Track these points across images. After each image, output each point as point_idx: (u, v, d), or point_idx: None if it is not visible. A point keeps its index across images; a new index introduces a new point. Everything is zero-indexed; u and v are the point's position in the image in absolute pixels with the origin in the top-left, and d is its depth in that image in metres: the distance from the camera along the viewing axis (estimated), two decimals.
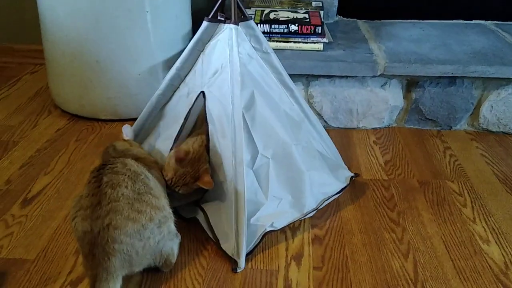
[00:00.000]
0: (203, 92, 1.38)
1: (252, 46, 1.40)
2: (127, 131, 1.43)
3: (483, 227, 1.40)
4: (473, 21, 2.24)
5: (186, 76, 1.46)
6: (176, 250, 1.20)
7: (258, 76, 1.39)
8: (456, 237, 1.36)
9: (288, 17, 1.91)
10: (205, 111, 1.36)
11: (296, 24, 1.85)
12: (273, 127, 1.38)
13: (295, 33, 1.86)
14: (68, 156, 1.68)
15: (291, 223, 1.36)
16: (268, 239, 1.33)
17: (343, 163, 1.60)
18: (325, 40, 1.87)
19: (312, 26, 1.85)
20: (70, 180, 1.55)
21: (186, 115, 1.41)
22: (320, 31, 1.86)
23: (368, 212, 1.45)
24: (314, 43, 1.86)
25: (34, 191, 1.50)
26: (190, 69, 1.45)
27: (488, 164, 1.70)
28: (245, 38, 1.38)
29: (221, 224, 1.31)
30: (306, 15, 1.94)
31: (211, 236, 1.30)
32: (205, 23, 1.39)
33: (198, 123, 1.52)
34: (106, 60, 1.77)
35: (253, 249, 1.28)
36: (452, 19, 2.25)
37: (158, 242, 1.10)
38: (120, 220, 1.03)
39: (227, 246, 1.26)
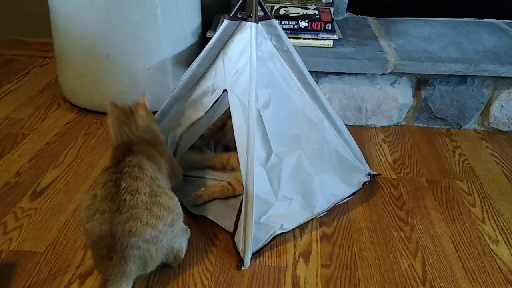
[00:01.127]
0: (226, 90, 1.37)
1: (274, 45, 1.38)
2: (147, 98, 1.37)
3: (492, 227, 1.39)
4: (485, 20, 2.22)
5: (205, 73, 1.45)
6: (185, 246, 1.20)
7: (279, 75, 1.39)
8: (465, 237, 1.35)
9: (298, 13, 1.90)
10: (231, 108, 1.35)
11: (306, 21, 1.84)
12: (286, 128, 1.38)
13: (305, 30, 1.86)
14: (77, 149, 1.69)
15: (301, 224, 1.36)
16: (276, 236, 1.33)
17: (363, 164, 1.57)
18: (335, 37, 1.86)
19: (322, 23, 1.85)
20: (79, 174, 1.56)
21: (208, 111, 1.42)
22: (330, 28, 1.85)
23: (377, 211, 1.44)
24: (324, 39, 1.85)
25: (43, 184, 1.51)
26: (210, 67, 1.44)
27: (498, 164, 1.69)
28: (266, 36, 1.36)
29: (229, 220, 1.32)
30: (316, 12, 1.93)
31: (224, 227, 1.32)
32: (225, 22, 1.37)
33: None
34: (116, 54, 1.77)
35: (261, 248, 1.28)
36: (463, 17, 2.23)
37: (170, 241, 1.12)
38: (140, 227, 1.04)
39: (237, 243, 1.27)
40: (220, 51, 1.42)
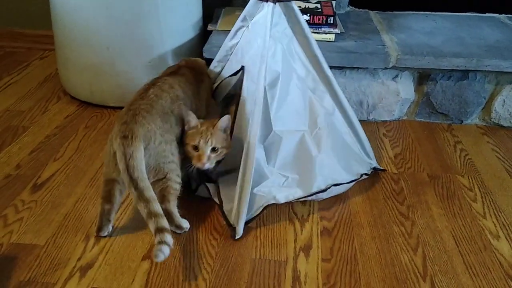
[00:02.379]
0: (243, 67, 1.44)
1: (291, 27, 1.43)
2: None
3: (493, 222, 1.39)
4: (487, 14, 2.21)
5: (234, 49, 1.54)
6: (174, 180, 1.25)
7: (292, 57, 1.45)
8: (465, 232, 1.35)
9: (300, 6, 1.89)
10: (242, 85, 1.42)
11: (308, 14, 1.83)
12: (291, 108, 1.44)
13: (307, 23, 1.84)
14: (77, 142, 1.68)
15: (294, 200, 1.39)
16: (277, 230, 1.33)
17: (370, 159, 1.58)
18: (337, 30, 1.85)
19: (324, 16, 1.84)
20: (80, 167, 1.56)
21: (221, 81, 1.54)
22: (332, 22, 1.84)
23: (377, 205, 1.44)
24: (326, 33, 1.85)
25: (44, 177, 1.50)
26: (237, 43, 1.53)
27: (499, 159, 1.68)
28: (284, 18, 1.42)
29: (230, 193, 1.36)
30: (318, 5, 1.92)
31: (216, 201, 1.37)
32: (252, 1, 1.45)
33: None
34: (116, 47, 1.76)
35: (253, 218, 1.32)
36: (466, 12, 2.22)
37: (164, 153, 1.22)
38: (149, 116, 1.22)
39: (228, 213, 1.32)
40: (245, 28, 1.50)
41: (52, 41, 1.94)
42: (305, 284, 1.17)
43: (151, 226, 1.12)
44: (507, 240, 1.33)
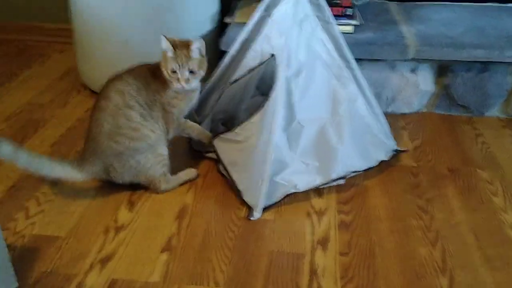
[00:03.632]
0: (273, 55, 1.45)
1: (316, 15, 1.46)
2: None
3: None
4: (508, 4, 2.16)
5: (256, 38, 1.52)
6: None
7: (317, 45, 1.48)
8: (485, 226, 1.34)
9: None
10: (275, 72, 1.43)
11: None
12: (315, 97, 1.47)
13: None
14: None
15: (314, 188, 1.42)
16: (294, 223, 1.33)
17: (390, 140, 1.60)
18: (355, 22, 1.84)
19: (342, 8, 1.82)
20: None
21: (251, 70, 1.50)
22: (350, 13, 1.82)
23: (396, 199, 1.43)
24: (345, 25, 1.83)
25: None
26: (260, 32, 1.51)
27: None
28: (309, 6, 1.45)
29: (245, 178, 1.40)
30: None
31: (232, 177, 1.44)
32: None
33: None
34: (135, 40, 1.77)
35: (273, 204, 1.37)
36: (486, 2, 2.18)
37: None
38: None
39: (249, 200, 1.37)
40: (268, 18, 1.50)
41: (71, 35, 1.96)
42: (323, 277, 1.17)
43: None
44: None
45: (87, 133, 1.38)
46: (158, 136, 1.40)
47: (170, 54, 1.37)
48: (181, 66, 1.36)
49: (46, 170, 1.31)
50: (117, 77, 1.41)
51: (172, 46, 1.36)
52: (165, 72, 1.38)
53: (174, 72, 1.37)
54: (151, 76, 1.41)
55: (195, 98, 1.48)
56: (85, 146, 1.38)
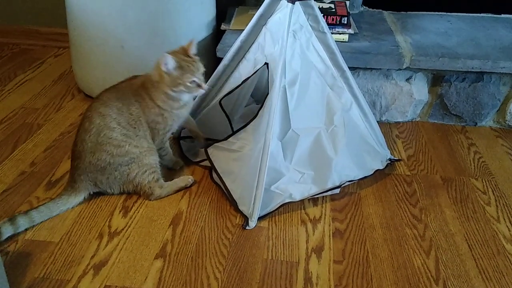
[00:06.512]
0: (267, 64, 1.45)
1: (310, 25, 1.46)
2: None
3: (507, 226, 1.38)
4: (503, 15, 2.19)
5: (250, 47, 1.54)
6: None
7: (311, 55, 1.48)
8: (479, 235, 1.34)
9: None
10: (268, 81, 1.44)
11: (322, 14, 1.82)
12: (309, 106, 1.47)
13: None
14: None
15: (309, 197, 1.42)
16: (289, 231, 1.33)
17: (384, 149, 1.61)
18: (350, 31, 1.85)
19: (337, 17, 1.83)
20: None
21: (245, 80, 1.51)
22: (345, 22, 1.84)
23: (390, 207, 1.44)
24: (340, 33, 1.84)
25: (58, 174, 1.52)
26: (254, 41, 1.53)
27: None
28: (303, 15, 1.45)
29: (240, 187, 1.40)
30: (332, 5, 1.91)
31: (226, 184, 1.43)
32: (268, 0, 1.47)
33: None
34: (131, 45, 1.77)
35: (268, 213, 1.37)
36: (481, 13, 2.20)
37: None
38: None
39: (244, 209, 1.36)
40: (262, 27, 1.50)
41: (67, 39, 1.96)
42: (316, 286, 1.17)
43: None
44: None
45: (72, 152, 1.39)
46: (145, 150, 1.40)
47: (177, 71, 1.35)
48: (196, 72, 1.37)
49: (49, 215, 1.33)
50: (101, 98, 1.41)
51: (178, 61, 1.35)
52: (170, 91, 1.38)
53: (192, 82, 1.36)
54: (135, 95, 1.41)
55: (186, 113, 1.48)
56: (71, 166, 1.39)
